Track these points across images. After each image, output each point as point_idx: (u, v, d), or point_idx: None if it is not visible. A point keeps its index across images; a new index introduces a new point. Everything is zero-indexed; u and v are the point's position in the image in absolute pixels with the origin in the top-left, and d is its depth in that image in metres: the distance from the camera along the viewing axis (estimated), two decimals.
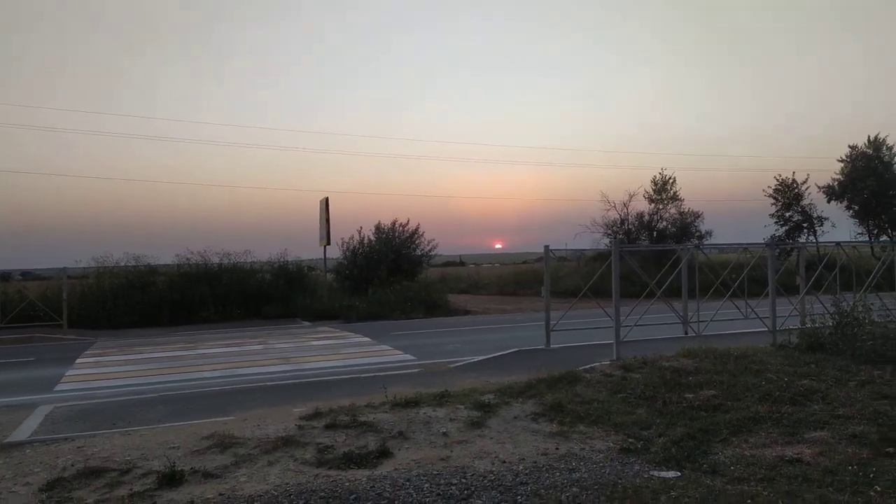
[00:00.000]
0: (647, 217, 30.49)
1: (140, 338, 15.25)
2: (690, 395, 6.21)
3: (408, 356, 10.90)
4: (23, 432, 6.19)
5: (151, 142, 69.73)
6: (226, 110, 69.67)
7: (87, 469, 4.85)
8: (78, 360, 11.50)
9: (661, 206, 30.74)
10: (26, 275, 29.47)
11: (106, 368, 10.65)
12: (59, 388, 8.95)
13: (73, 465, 4.96)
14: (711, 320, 10.04)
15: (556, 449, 4.99)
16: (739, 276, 10.75)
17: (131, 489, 4.42)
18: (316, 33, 77.85)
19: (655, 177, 30.92)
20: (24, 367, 11.25)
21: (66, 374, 10.04)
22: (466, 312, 20.43)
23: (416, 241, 25.03)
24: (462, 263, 56.38)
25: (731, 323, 10.47)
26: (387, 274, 23.22)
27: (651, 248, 22.41)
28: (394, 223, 24.92)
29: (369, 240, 24.42)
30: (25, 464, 5.12)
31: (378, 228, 24.77)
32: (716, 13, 79.46)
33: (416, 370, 9.32)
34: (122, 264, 19.78)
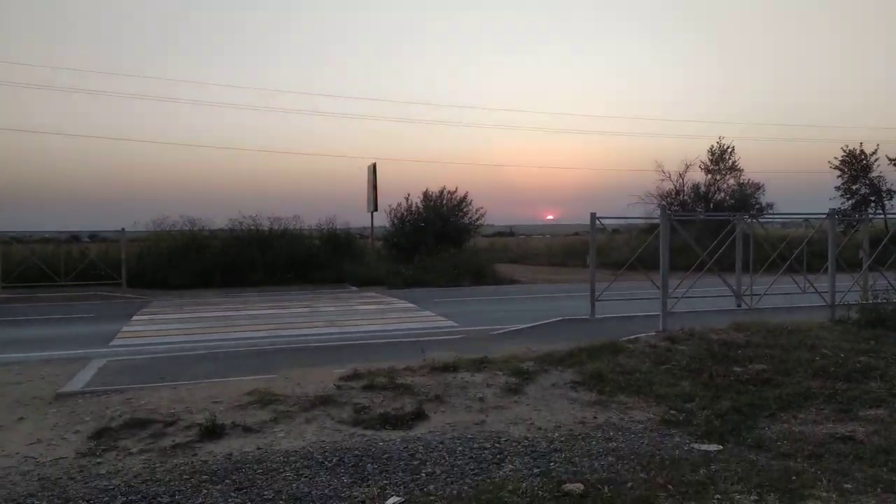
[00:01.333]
0: (703, 188, 29.50)
1: (193, 298, 15.73)
2: (739, 369, 5.99)
3: (450, 322, 10.90)
4: (76, 383, 6.45)
5: (207, 107, 71.16)
6: (277, 77, 70.47)
7: (133, 420, 5.02)
8: (134, 318, 11.94)
9: (718, 177, 29.67)
10: (94, 237, 30.71)
11: (159, 326, 11.03)
12: (114, 343, 9.31)
13: (120, 416, 5.14)
14: (766, 294, 9.65)
15: (594, 418, 4.90)
16: (798, 250, 10.28)
17: (174, 440, 4.56)
18: None
19: (713, 146, 29.80)
20: (83, 322, 11.75)
21: (122, 330, 10.43)
22: (513, 281, 20.30)
23: (464, 210, 24.90)
24: (512, 234, 55.92)
25: (787, 297, 10.04)
26: (434, 241, 23.19)
27: (702, 218, 21.53)
28: (442, 191, 24.83)
29: (417, 207, 24.41)
30: (77, 413, 5.34)
31: (426, 196, 24.71)
32: None
33: (458, 336, 9.30)
34: (179, 227, 20.39)
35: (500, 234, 50.98)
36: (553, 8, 77.60)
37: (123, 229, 18.47)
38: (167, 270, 18.56)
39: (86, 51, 63.98)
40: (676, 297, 8.77)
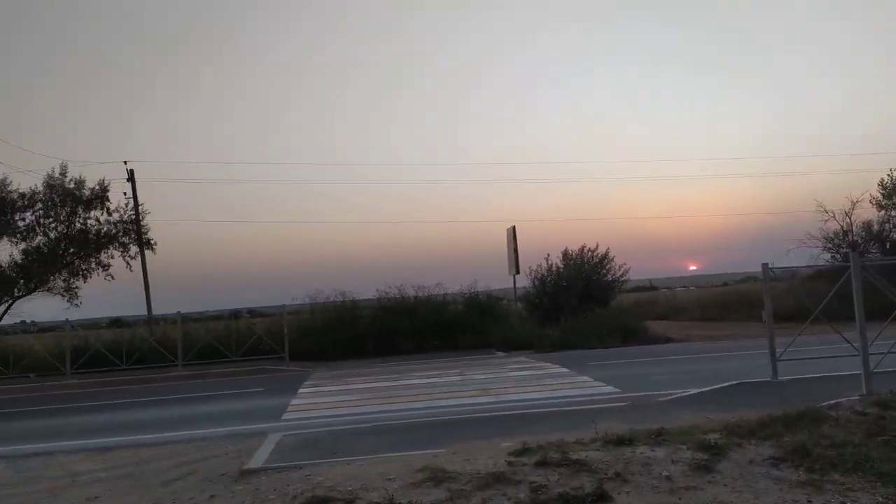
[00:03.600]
0: (876, 226, 26.60)
1: (349, 369, 16.29)
2: None
3: (610, 388, 10.35)
4: (258, 460, 6.74)
5: (350, 186, 75.97)
6: (412, 148, 74.24)
7: (314, 498, 5.09)
8: (300, 390, 12.51)
9: (894, 213, 26.67)
10: (252, 312, 33.15)
11: (324, 398, 11.45)
12: (285, 416, 9.74)
13: (302, 493, 5.24)
14: None
15: (809, 502, 4.29)
16: None
17: None
18: (496, 59, 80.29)
19: (884, 179, 26.98)
20: (255, 396, 12.49)
21: (291, 403, 10.92)
22: (668, 340, 19.18)
23: (607, 267, 24.20)
24: (653, 288, 53.48)
25: None
26: (577, 301, 22.63)
27: None
28: (582, 249, 24.35)
29: (557, 267, 24.06)
30: (261, 490, 5.52)
31: (566, 255, 24.34)
32: None
33: (623, 404, 8.77)
34: (332, 300, 21.44)
35: (640, 288, 48.86)
36: (688, 50, 75.90)
37: (284, 305, 19.75)
38: (324, 342, 19.50)
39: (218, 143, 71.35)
40: (879, 354, 7.72)
